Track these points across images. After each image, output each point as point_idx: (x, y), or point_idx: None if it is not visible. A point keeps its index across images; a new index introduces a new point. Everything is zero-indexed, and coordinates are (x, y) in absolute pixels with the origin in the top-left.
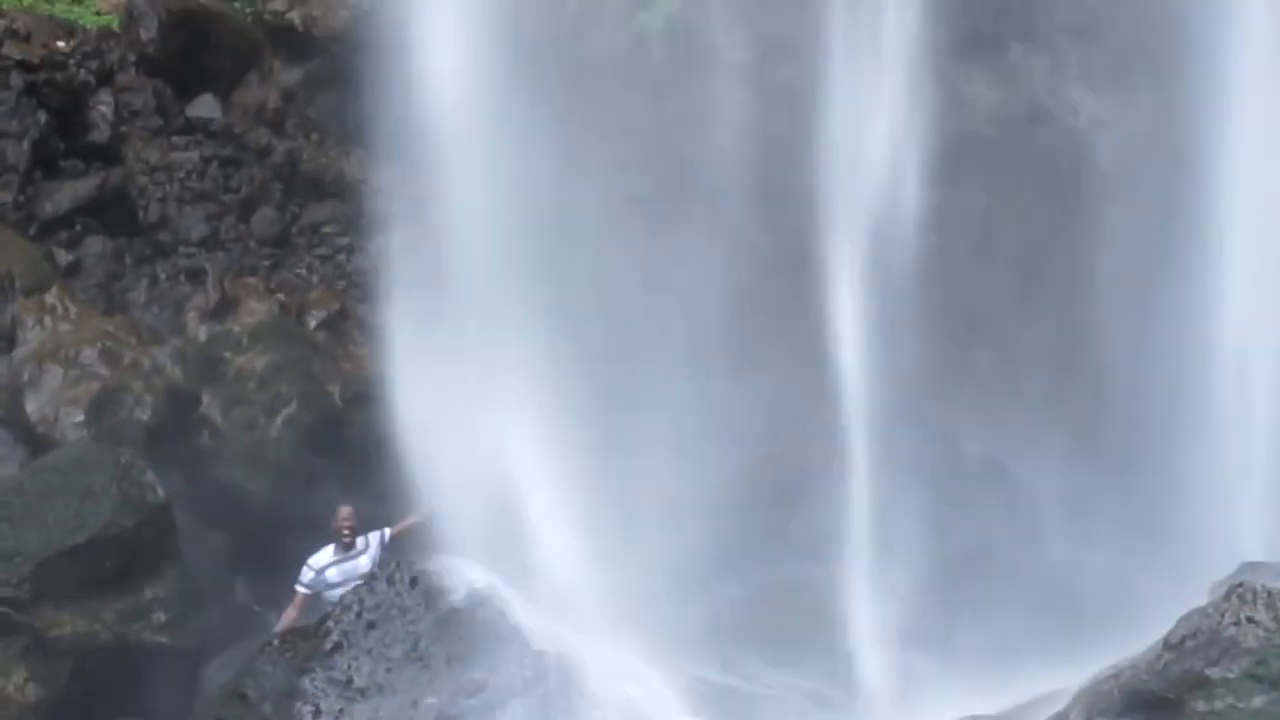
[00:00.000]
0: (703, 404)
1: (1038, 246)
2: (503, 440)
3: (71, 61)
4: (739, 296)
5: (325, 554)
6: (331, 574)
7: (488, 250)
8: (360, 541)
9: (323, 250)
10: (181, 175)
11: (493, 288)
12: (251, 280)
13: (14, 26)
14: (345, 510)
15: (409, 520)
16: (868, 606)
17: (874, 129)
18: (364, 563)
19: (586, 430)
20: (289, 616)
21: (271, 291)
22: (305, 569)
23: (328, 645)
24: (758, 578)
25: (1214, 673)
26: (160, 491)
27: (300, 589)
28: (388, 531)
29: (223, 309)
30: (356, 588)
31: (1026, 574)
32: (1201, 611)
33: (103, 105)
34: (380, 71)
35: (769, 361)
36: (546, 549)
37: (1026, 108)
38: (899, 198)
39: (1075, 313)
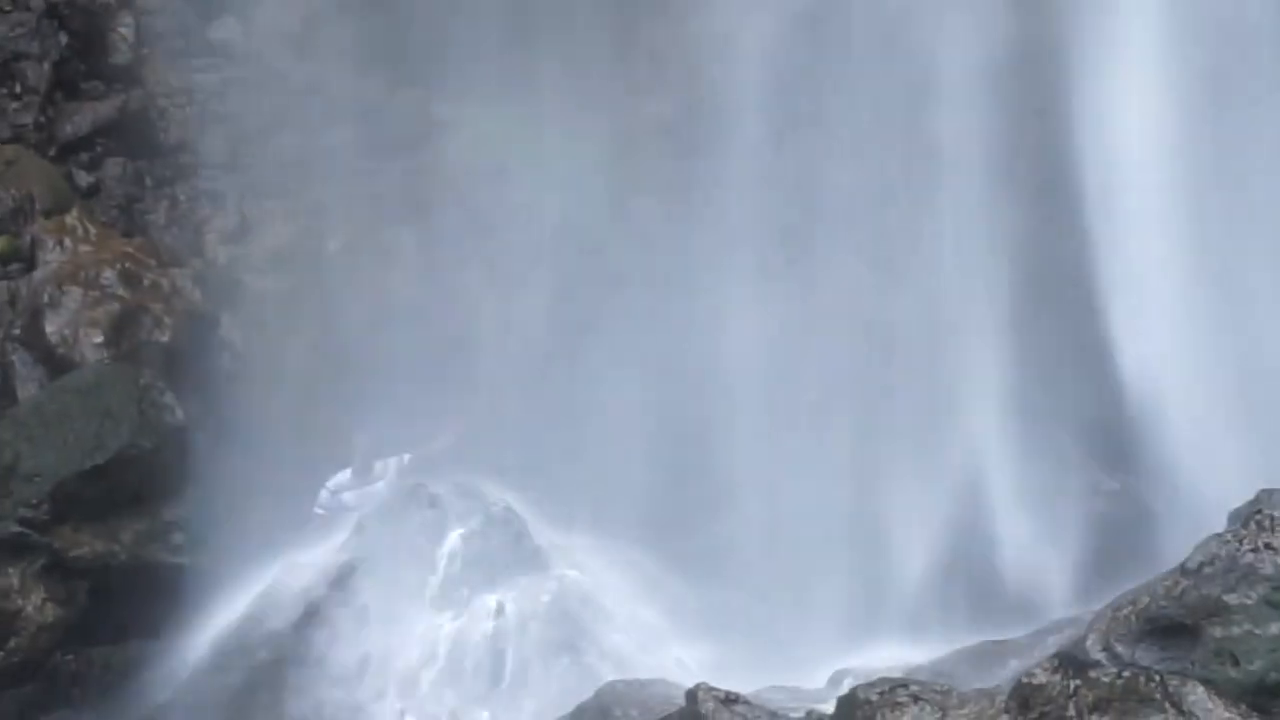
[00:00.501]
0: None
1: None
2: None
3: None
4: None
5: (343, 478)
6: (348, 498)
7: (506, 176)
8: (378, 466)
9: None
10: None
11: (511, 212)
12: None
13: None
14: (362, 435)
15: (432, 445)
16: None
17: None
18: (381, 487)
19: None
20: (308, 539)
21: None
22: (323, 492)
23: (345, 569)
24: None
25: (1231, 599)
26: (179, 413)
27: (318, 511)
28: (407, 457)
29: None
30: (374, 511)
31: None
32: (1219, 538)
33: (124, 27)
34: None
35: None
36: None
37: None
38: (917, 121)
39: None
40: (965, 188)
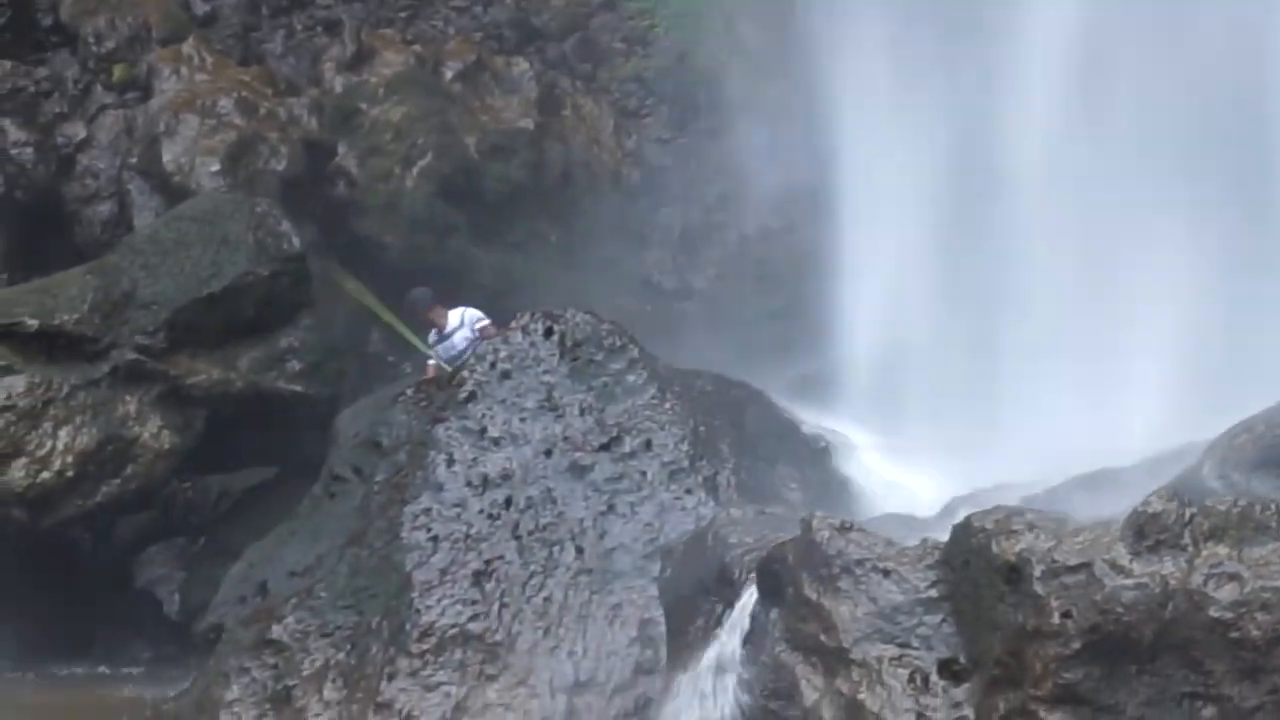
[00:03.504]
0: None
1: None
2: None
3: None
4: None
5: (431, 337)
6: (458, 340)
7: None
8: (454, 317)
9: (459, 2)
10: None
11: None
12: (388, 32)
13: None
14: (416, 295)
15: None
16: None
17: None
18: (458, 341)
19: None
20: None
21: (408, 43)
22: (432, 334)
23: (462, 395)
24: None
25: None
26: (296, 241)
27: (431, 363)
28: (479, 327)
29: (359, 60)
30: (491, 337)
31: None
32: None
33: None
34: None
35: None
36: None
37: None
38: None
39: None
40: None
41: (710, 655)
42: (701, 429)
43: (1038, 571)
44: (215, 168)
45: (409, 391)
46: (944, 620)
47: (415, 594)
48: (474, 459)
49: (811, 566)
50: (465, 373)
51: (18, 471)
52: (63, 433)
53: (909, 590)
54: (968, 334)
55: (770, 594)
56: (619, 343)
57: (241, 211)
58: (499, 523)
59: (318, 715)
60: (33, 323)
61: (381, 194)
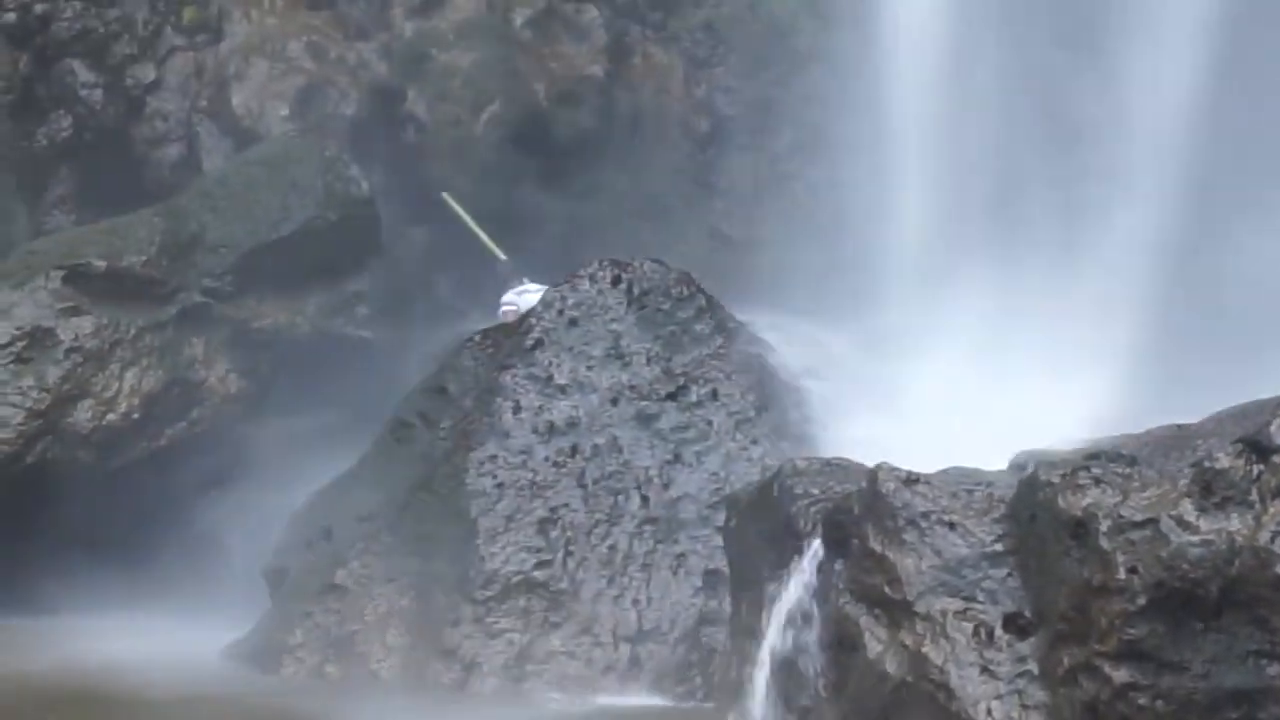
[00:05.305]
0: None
1: None
2: None
3: None
4: None
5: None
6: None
7: None
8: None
9: None
10: None
11: None
12: None
13: None
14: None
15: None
16: None
17: None
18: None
19: None
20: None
21: None
22: (510, 292)
23: (529, 342)
24: None
25: None
26: (364, 186)
27: (505, 307)
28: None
29: (430, 5)
30: (559, 284)
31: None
32: None
33: None
34: None
35: None
36: None
37: None
38: None
39: None
40: None
41: (774, 606)
42: (769, 376)
43: (1104, 527)
44: (284, 112)
45: (476, 338)
46: (1009, 574)
47: (480, 541)
48: (540, 406)
49: (877, 518)
50: (532, 320)
51: (84, 413)
52: (129, 375)
53: (974, 544)
54: None
55: (835, 546)
56: (686, 292)
57: (310, 156)
58: (564, 470)
59: (380, 661)
60: (100, 264)
61: (450, 140)
